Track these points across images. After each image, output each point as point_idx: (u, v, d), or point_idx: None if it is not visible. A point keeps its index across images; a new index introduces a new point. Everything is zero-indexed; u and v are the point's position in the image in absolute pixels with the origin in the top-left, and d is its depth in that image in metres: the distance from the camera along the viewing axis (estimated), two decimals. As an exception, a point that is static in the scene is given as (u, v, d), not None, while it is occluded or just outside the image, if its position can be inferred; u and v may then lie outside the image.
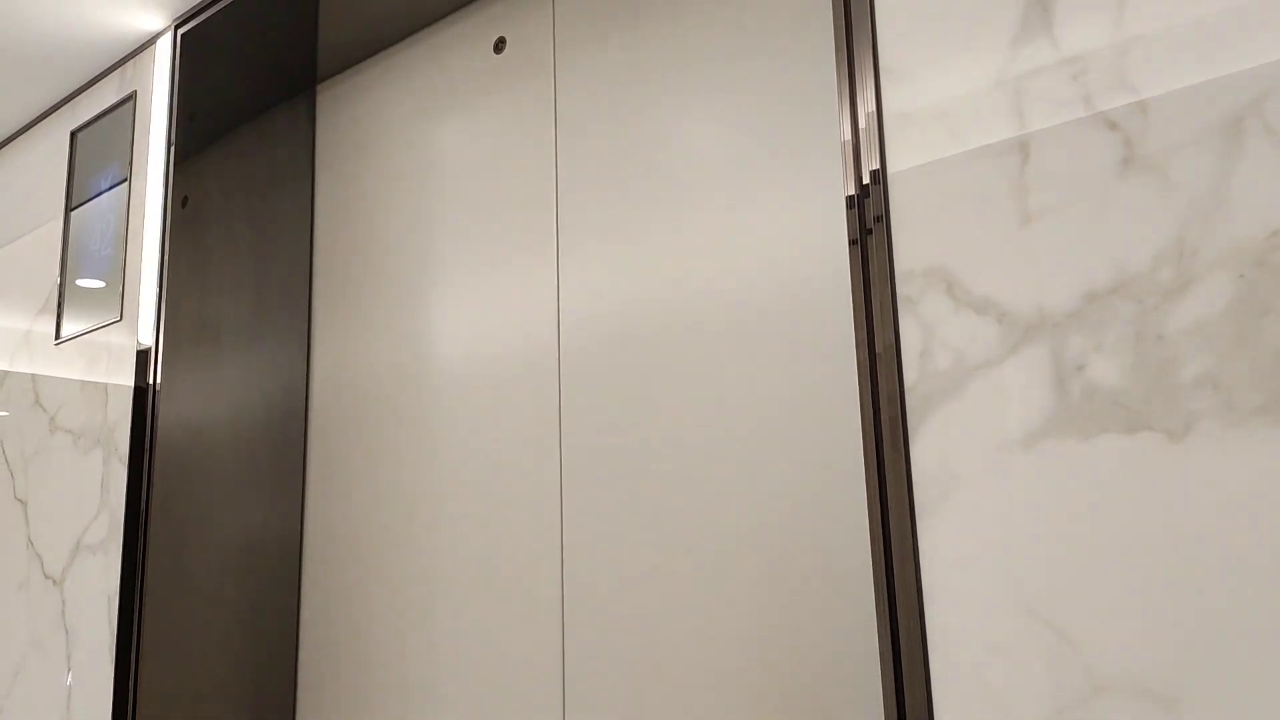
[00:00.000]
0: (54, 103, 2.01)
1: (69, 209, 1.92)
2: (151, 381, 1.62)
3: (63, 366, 1.84)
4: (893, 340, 0.90)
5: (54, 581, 1.73)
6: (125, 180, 1.79)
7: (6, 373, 1.99)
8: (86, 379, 1.77)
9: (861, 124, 0.96)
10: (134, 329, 1.69)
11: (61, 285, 1.89)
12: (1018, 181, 0.86)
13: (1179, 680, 0.73)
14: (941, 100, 0.91)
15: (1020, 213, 0.85)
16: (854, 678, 1.09)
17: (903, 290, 0.91)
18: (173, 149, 1.70)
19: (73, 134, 1.95)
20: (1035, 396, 0.82)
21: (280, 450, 1.74)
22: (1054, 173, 0.84)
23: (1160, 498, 0.76)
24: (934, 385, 0.87)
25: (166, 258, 1.66)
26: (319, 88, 1.89)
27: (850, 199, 0.96)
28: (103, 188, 1.85)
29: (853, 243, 0.96)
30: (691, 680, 1.22)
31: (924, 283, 0.89)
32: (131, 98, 1.81)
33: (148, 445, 1.60)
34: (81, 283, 1.85)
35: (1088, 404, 0.80)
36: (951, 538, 0.85)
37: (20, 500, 1.87)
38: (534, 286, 1.48)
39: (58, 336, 1.87)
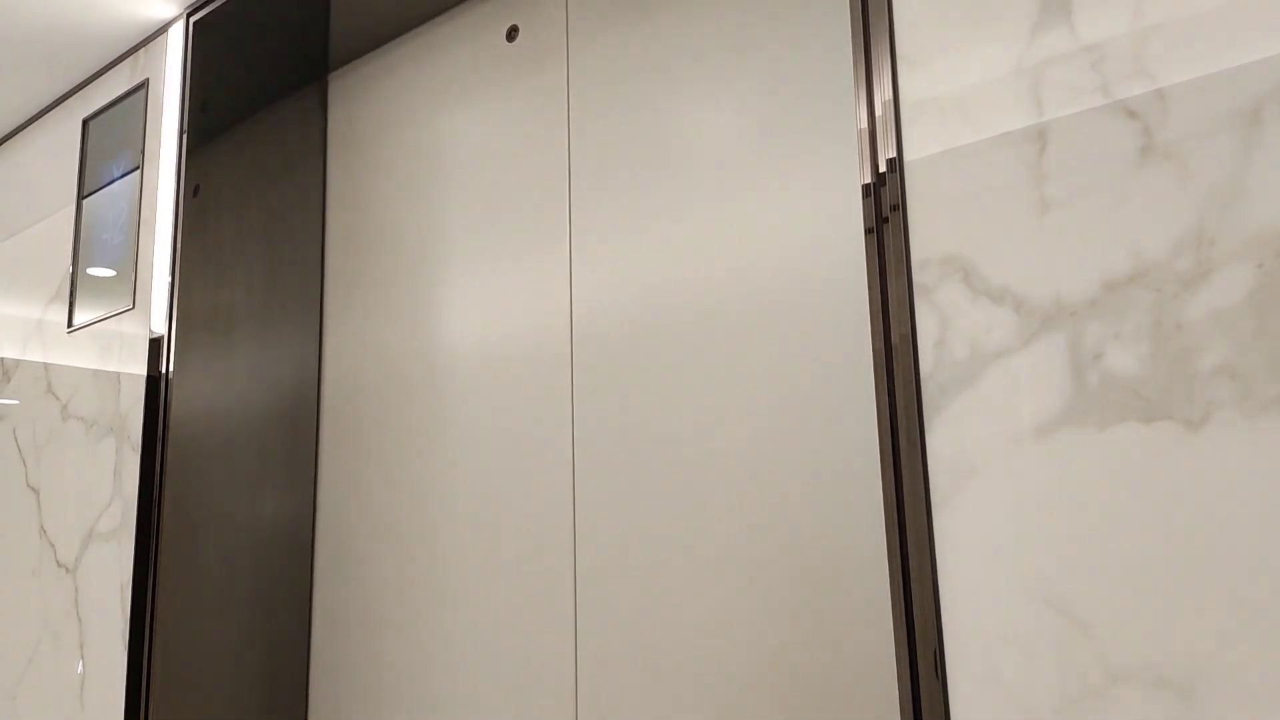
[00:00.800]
0: (66, 90, 2.02)
1: (81, 197, 1.93)
2: (164, 370, 1.63)
3: (75, 355, 1.85)
4: (909, 330, 0.90)
5: (66, 569, 1.74)
6: (137, 168, 1.79)
7: (19, 361, 2.00)
8: (99, 368, 1.78)
9: (878, 112, 0.96)
10: (146, 317, 1.69)
11: (73, 273, 1.89)
12: (1036, 170, 0.85)
13: (1196, 670, 0.73)
14: (959, 88, 0.91)
15: (1038, 201, 0.85)
16: (869, 667, 1.09)
17: (919, 279, 0.90)
18: (184, 137, 1.70)
19: (85, 122, 1.95)
20: (1052, 386, 0.82)
21: (293, 439, 1.74)
22: (1072, 161, 0.84)
23: (1178, 487, 0.75)
24: (950, 375, 0.87)
25: (178, 246, 1.66)
26: (331, 76, 1.89)
27: (866, 187, 0.96)
28: (114, 176, 1.85)
29: (868, 231, 0.95)
30: (704, 668, 1.22)
31: (940, 271, 0.89)
32: (143, 86, 1.81)
33: (160, 433, 1.60)
34: (93, 271, 1.86)
35: (1105, 393, 0.79)
36: (967, 527, 0.85)
37: (33, 488, 1.88)
38: (546, 275, 1.48)
39: (70, 325, 1.88)
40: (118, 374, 1.73)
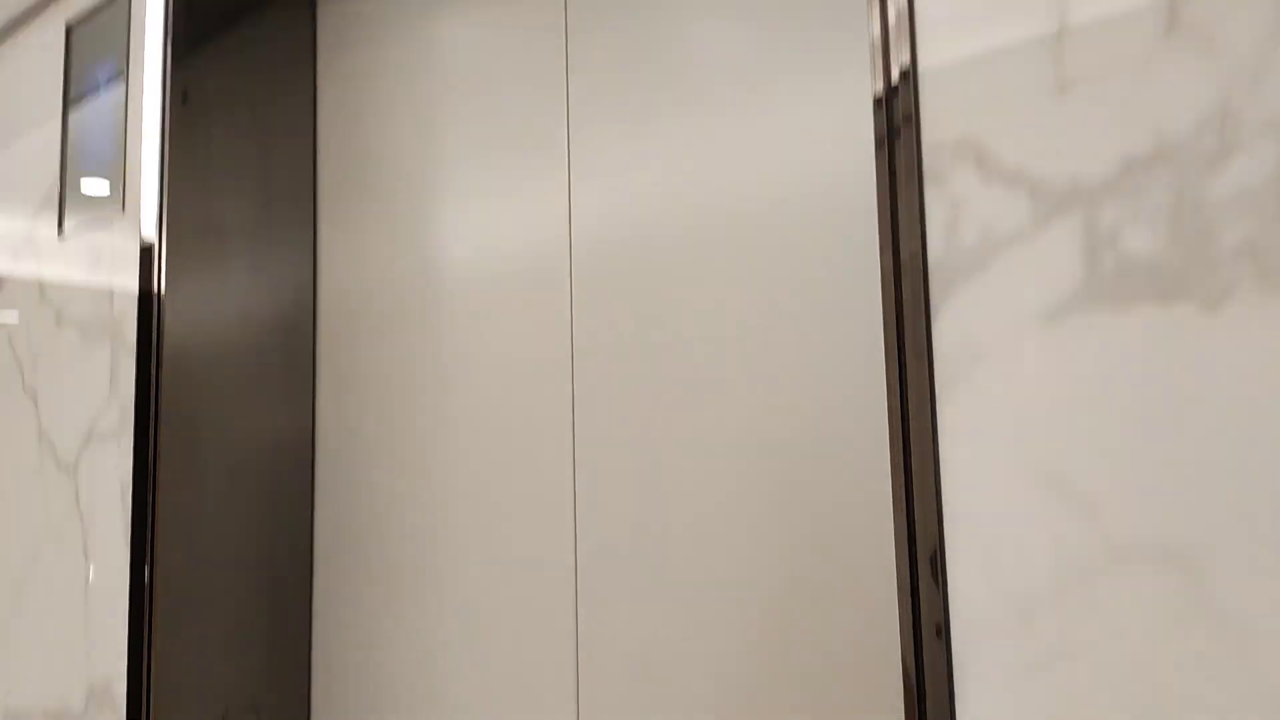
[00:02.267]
0: (48, -6, 1.95)
1: (67, 106, 1.88)
2: (155, 283, 1.60)
3: (66, 265, 1.83)
4: (919, 247, 0.88)
5: (67, 471, 1.74)
6: (123, 75, 1.74)
7: (9, 274, 1.98)
8: (91, 274, 1.76)
9: (892, 19, 0.92)
10: (136, 225, 1.66)
11: (62, 183, 1.86)
12: (1055, 50, 0.82)
13: (1203, 544, 0.73)
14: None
15: (1056, 81, 0.82)
16: (869, 568, 1.10)
17: (930, 165, 0.88)
18: (169, 41, 1.65)
19: (68, 27, 1.89)
20: (1065, 269, 0.80)
21: (289, 354, 1.73)
22: (1093, 40, 0.81)
23: (1193, 367, 0.75)
24: (960, 261, 0.86)
25: (167, 155, 1.63)
26: (321, -23, 1.83)
27: (878, 100, 0.93)
28: (100, 83, 1.81)
29: (879, 143, 0.92)
30: (706, 580, 1.23)
31: (953, 155, 0.87)
32: (128, -14, 1.75)
33: (155, 340, 1.59)
34: (83, 180, 1.82)
35: (1120, 276, 0.78)
36: (972, 413, 0.84)
37: (30, 392, 1.87)
38: (544, 189, 1.44)
39: (60, 233, 1.85)
40: (110, 282, 1.71)
